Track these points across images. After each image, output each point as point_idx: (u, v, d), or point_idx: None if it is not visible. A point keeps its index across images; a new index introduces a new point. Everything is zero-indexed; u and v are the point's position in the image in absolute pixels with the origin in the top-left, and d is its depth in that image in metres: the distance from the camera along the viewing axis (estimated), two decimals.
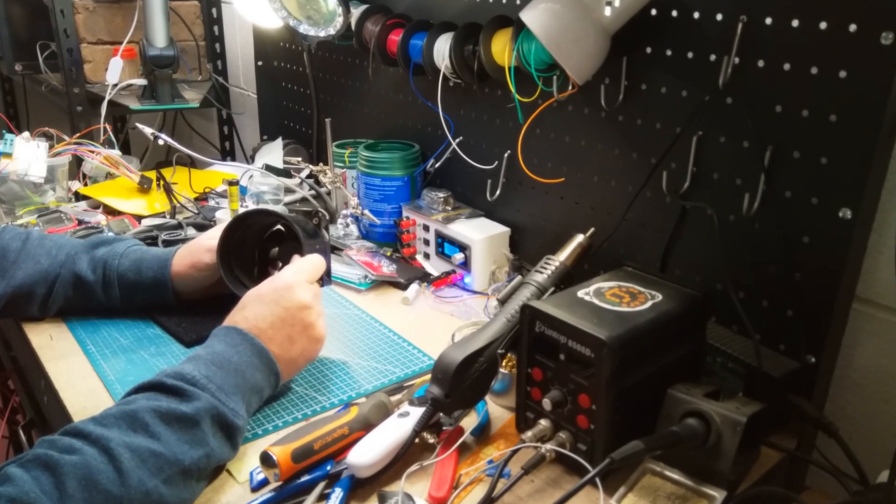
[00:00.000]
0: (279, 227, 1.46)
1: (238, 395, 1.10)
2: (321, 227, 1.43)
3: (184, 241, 1.75)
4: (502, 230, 1.71)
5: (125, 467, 0.92)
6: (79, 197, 2.14)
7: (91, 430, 0.95)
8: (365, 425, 1.12)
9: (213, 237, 1.45)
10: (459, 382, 1.09)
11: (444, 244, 1.73)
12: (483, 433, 1.20)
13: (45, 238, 1.51)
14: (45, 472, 0.89)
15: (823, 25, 1.09)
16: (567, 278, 1.26)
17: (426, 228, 1.78)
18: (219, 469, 1.09)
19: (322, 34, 1.90)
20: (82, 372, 1.34)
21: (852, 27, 1.06)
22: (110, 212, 2.02)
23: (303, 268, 1.29)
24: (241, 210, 1.85)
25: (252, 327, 1.19)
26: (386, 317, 1.56)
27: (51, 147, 2.09)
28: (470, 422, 1.20)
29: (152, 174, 2.16)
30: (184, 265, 1.47)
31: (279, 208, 1.87)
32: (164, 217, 1.99)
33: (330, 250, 1.44)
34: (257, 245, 1.47)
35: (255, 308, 1.22)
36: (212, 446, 1.03)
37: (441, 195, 1.77)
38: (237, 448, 1.10)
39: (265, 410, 1.23)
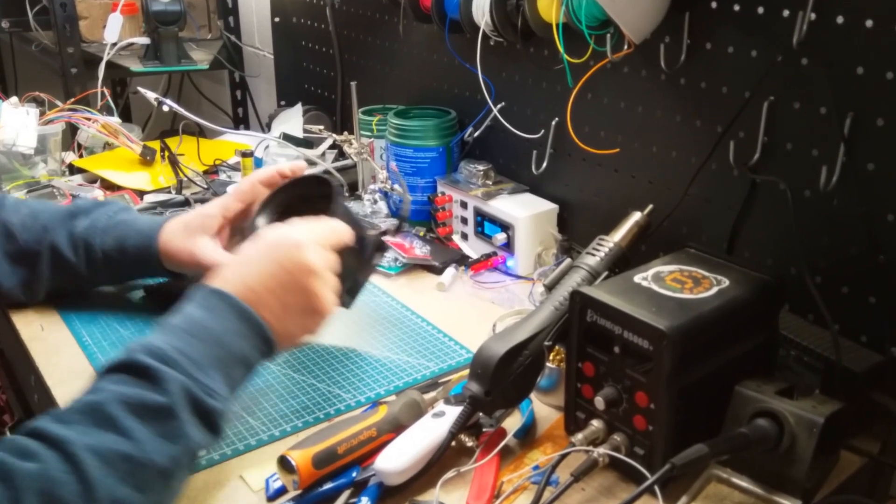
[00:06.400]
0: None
1: (216, 370, 1.04)
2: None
3: None
4: (549, 207, 1.72)
5: (90, 476, 0.88)
6: (73, 170, 2.17)
7: (51, 430, 0.92)
8: (395, 426, 1.13)
9: (210, 214, 1.42)
10: (501, 378, 1.10)
11: (484, 223, 1.74)
12: (528, 435, 1.21)
13: (21, 204, 1.50)
14: (0, 482, 0.86)
15: None
16: (622, 261, 1.27)
17: (464, 205, 1.79)
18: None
19: None
20: (77, 367, 1.36)
21: None
22: (108, 186, 2.05)
23: (319, 228, 1.20)
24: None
25: (239, 286, 1.11)
26: (419, 305, 1.57)
27: (42, 114, 2.11)
28: (513, 423, 1.21)
29: (156, 144, 2.19)
30: (176, 244, 1.41)
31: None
32: (170, 192, 2.02)
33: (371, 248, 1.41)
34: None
35: (245, 265, 1.15)
36: (191, 437, 0.99)
37: (480, 168, 1.78)
38: (220, 432, 1.04)
39: (282, 410, 1.25)
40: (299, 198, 1.41)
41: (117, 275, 1.50)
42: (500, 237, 1.69)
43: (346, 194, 1.99)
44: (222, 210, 1.42)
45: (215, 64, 2.81)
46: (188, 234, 1.41)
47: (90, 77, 2.52)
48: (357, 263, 1.35)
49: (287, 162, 2.00)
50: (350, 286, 1.35)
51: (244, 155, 1.93)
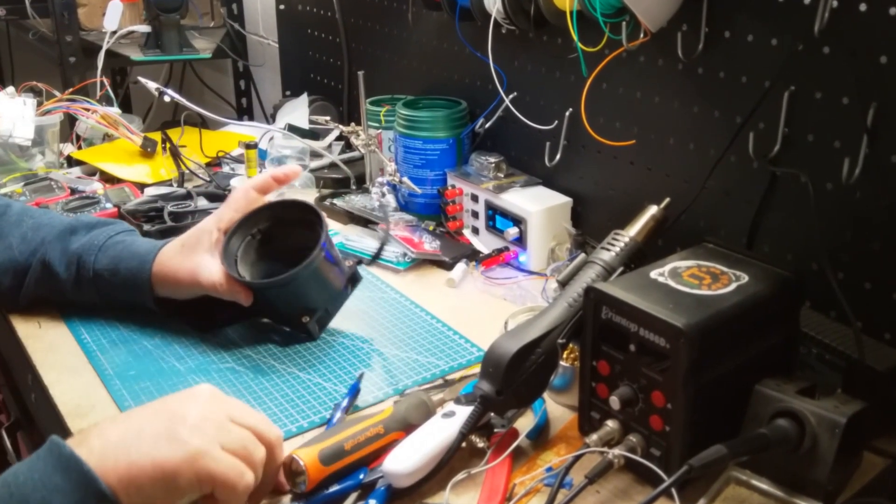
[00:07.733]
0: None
1: None
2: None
3: (193, 213, 1.77)
4: (563, 201, 1.72)
5: None
6: (72, 162, 2.18)
7: None
8: (403, 426, 1.13)
9: (205, 229, 1.40)
10: (513, 377, 1.10)
11: (496, 217, 1.75)
12: (541, 436, 1.21)
13: (25, 214, 1.50)
14: None
15: None
16: (638, 256, 1.26)
17: (475, 199, 1.79)
18: None
19: None
20: (76, 365, 1.36)
21: None
22: (108, 179, 2.06)
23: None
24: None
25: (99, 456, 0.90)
26: (428, 301, 1.57)
27: (39, 104, 2.12)
28: (525, 423, 1.21)
29: (157, 136, 2.20)
30: (173, 264, 1.40)
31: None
32: (171, 185, 2.03)
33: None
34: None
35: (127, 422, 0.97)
36: None
37: (492, 160, 1.78)
38: None
39: (287, 409, 1.26)
40: (279, 220, 1.43)
41: (104, 295, 1.44)
42: (513, 231, 1.69)
43: (354, 187, 2.00)
44: (216, 222, 1.40)
45: (218, 53, 2.81)
46: (186, 253, 1.39)
47: (89, 66, 2.52)
48: (330, 296, 1.40)
49: (292, 153, 2.02)
50: (321, 316, 1.41)
51: (248, 146, 1.94)
